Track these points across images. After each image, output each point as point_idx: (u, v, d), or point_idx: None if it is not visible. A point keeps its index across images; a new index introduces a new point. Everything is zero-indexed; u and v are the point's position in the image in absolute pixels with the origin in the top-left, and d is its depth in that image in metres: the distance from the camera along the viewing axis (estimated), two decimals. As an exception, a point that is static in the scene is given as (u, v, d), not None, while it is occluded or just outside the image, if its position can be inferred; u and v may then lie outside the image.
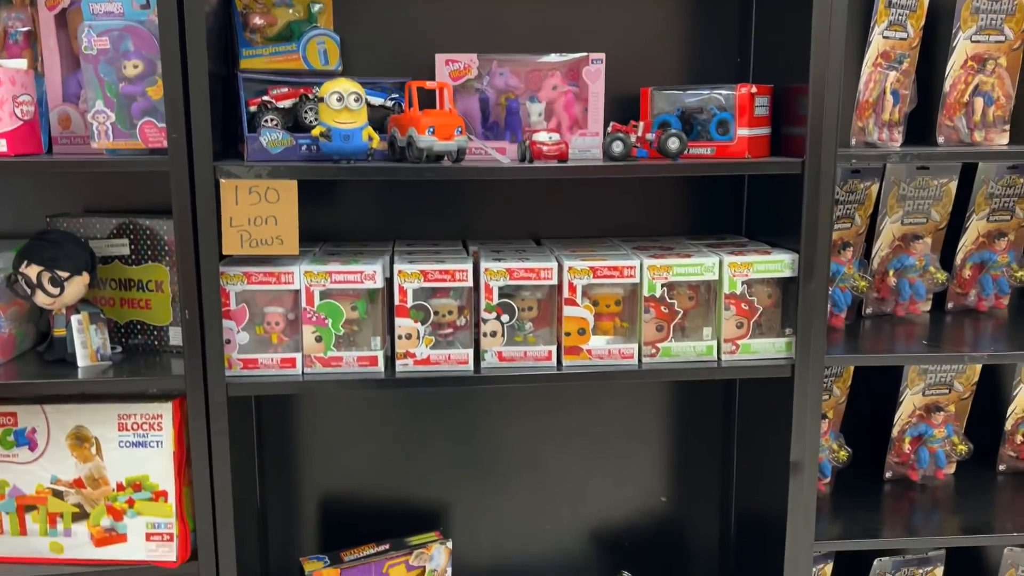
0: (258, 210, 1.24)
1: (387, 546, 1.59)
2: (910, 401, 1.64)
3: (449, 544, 1.62)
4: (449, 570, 1.62)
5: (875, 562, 1.67)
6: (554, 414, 1.69)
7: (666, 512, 1.75)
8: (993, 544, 1.60)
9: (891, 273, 1.60)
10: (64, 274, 1.29)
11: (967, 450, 1.65)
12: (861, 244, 1.59)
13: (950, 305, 1.66)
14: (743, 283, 1.37)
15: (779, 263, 1.37)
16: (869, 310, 1.63)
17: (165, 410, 1.31)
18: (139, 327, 1.42)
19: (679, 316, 1.38)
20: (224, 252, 1.24)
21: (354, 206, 1.58)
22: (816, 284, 1.35)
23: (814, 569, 1.67)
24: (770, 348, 1.39)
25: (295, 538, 1.67)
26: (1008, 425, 1.68)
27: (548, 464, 1.71)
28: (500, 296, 1.34)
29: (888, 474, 1.67)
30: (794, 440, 1.39)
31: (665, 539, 1.75)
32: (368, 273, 1.30)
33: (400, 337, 1.32)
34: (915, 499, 1.63)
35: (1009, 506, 1.61)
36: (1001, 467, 1.71)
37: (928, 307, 1.66)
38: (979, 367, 1.64)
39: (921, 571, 1.70)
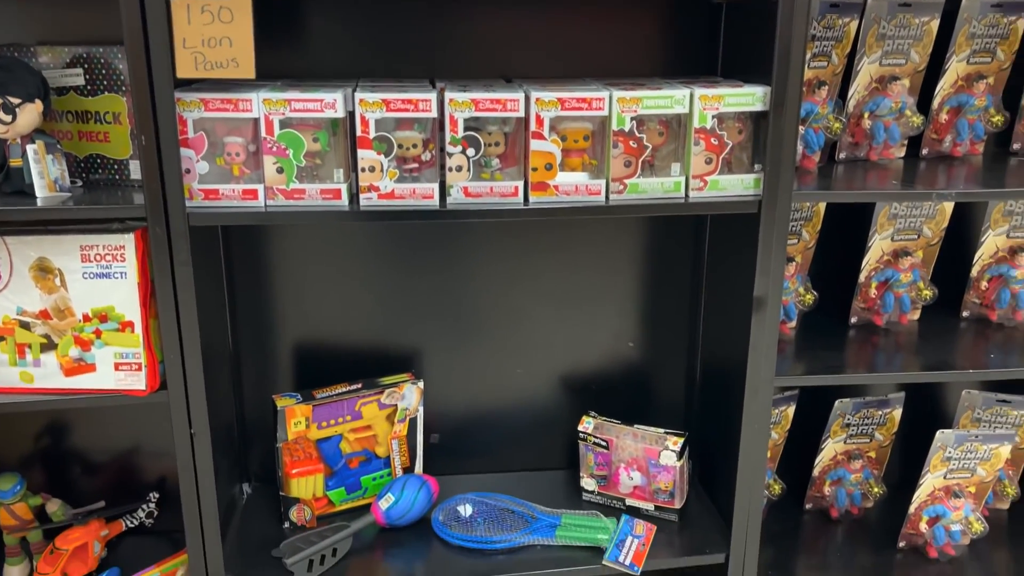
0: (212, 30, 1.19)
1: (359, 385, 1.62)
2: (879, 246, 1.64)
3: (421, 385, 1.65)
4: (421, 409, 1.66)
5: (836, 403, 1.72)
6: (526, 259, 1.69)
7: (634, 356, 1.78)
8: (949, 380, 1.64)
9: (866, 116, 1.58)
10: (15, 100, 1.25)
11: (932, 295, 1.67)
12: (837, 84, 1.56)
13: (925, 151, 1.65)
14: (713, 117, 1.34)
15: (750, 96, 1.34)
16: (843, 154, 1.61)
17: (127, 241, 1.30)
18: (99, 161, 1.39)
19: (648, 152, 1.36)
20: (178, 75, 1.20)
21: (318, 45, 1.53)
22: (787, 119, 1.33)
23: (776, 411, 1.73)
24: (738, 185, 1.38)
25: (269, 379, 1.70)
26: (974, 272, 1.70)
27: (519, 309, 1.73)
28: (465, 129, 1.31)
29: (854, 319, 1.70)
30: (758, 275, 1.40)
31: (633, 383, 1.79)
32: (328, 102, 1.27)
33: (363, 170, 1.30)
34: (878, 342, 1.66)
35: (969, 350, 1.64)
36: (965, 313, 1.73)
37: (902, 152, 1.64)
38: (949, 212, 1.64)
39: (880, 412, 1.76)
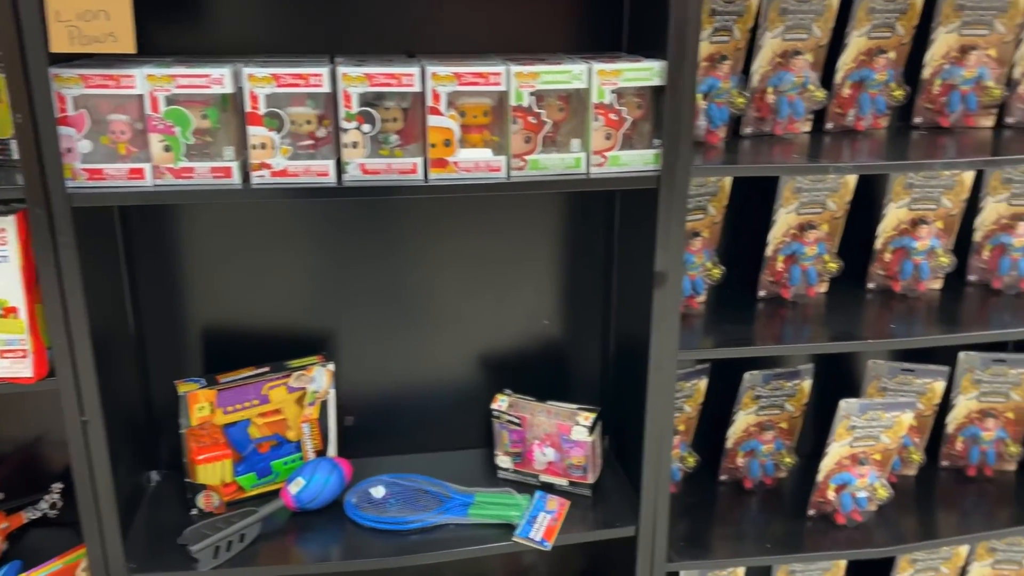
0: (88, 3, 1.14)
1: (266, 368, 1.60)
2: (784, 220, 1.66)
3: (331, 367, 1.63)
4: (332, 392, 1.64)
5: (745, 375, 1.75)
6: (440, 237, 1.68)
7: (550, 334, 1.78)
8: (854, 351, 1.66)
9: (770, 91, 1.59)
10: None
11: (837, 268, 1.70)
12: (740, 59, 1.57)
13: (830, 125, 1.67)
14: (612, 92, 1.34)
15: (648, 70, 1.34)
16: (748, 129, 1.62)
17: (8, 224, 1.25)
18: (-20, 141, 1.34)
19: (548, 127, 1.35)
20: (52, 49, 1.16)
21: (211, 21, 1.49)
22: (683, 93, 1.33)
23: (688, 384, 1.75)
24: (638, 160, 1.38)
25: (177, 365, 1.66)
26: (878, 244, 1.74)
27: (434, 288, 1.71)
28: (362, 105, 1.29)
29: (762, 292, 1.72)
30: (659, 250, 1.41)
31: (549, 360, 1.79)
32: (216, 77, 1.23)
33: (254, 147, 1.27)
34: (786, 315, 1.69)
35: (875, 320, 1.67)
36: (870, 285, 1.77)
37: (808, 127, 1.66)
38: (852, 186, 1.67)
39: (790, 384, 1.79)
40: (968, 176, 1.68)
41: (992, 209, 1.73)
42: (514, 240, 1.71)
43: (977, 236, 1.76)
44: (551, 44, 1.58)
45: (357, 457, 1.71)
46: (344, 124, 1.29)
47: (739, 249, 1.77)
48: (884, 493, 1.71)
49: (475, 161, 1.33)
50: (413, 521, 1.56)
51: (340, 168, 1.31)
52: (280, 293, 1.67)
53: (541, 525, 1.55)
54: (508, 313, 1.75)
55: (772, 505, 1.80)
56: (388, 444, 1.78)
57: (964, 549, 1.83)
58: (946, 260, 1.71)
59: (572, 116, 1.38)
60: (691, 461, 1.80)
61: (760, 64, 1.58)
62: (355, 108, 1.28)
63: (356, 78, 1.27)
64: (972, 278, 1.79)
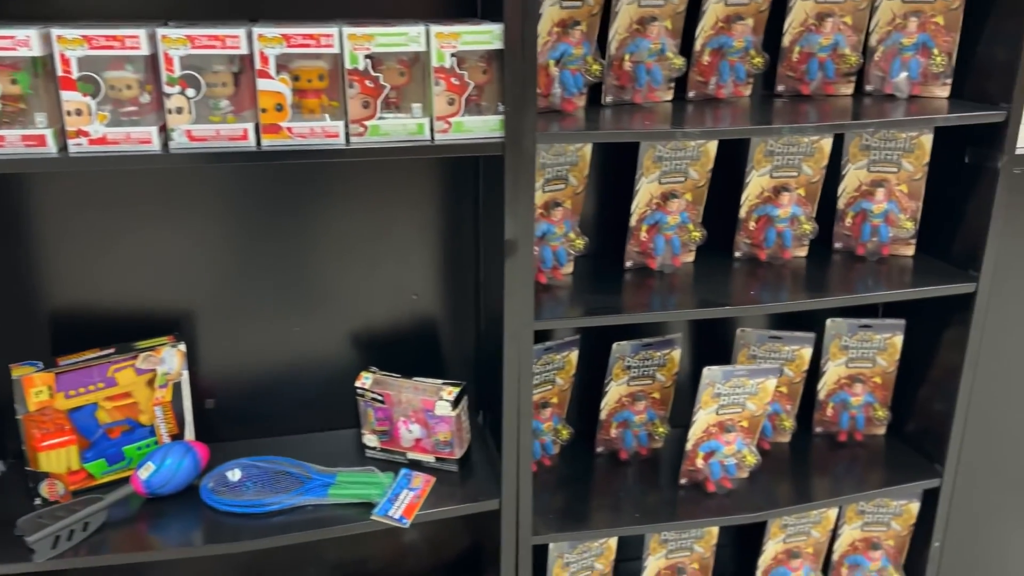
0: None
1: (112, 350, 1.53)
2: (646, 189, 1.66)
3: (182, 347, 1.57)
4: (185, 373, 1.58)
5: (613, 346, 1.74)
6: (301, 209, 1.63)
7: (420, 308, 1.74)
8: (713, 316, 1.66)
9: (627, 58, 1.58)
10: None
11: (701, 237, 1.70)
12: (595, 25, 1.55)
13: (691, 93, 1.66)
14: (452, 56, 1.31)
15: (488, 34, 1.31)
16: (609, 98, 1.61)
17: None
18: None
19: (386, 92, 1.31)
20: None
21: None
22: (524, 58, 1.30)
23: (559, 356, 1.73)
24: (483, 126, 1.35)
25: (22, 350, 1.57)
26: (742, 212, 1.74)
27: (296, 263, 1.66)
28: (187, 68, 1.23)
29: (628, 263, 1.71)
30: (508, 219, 1.38)
31: (421, 335, 1.76)
32: (21, 39, 1.16)
33: (69, 113, 1.20)
34: (652, 284, 1.68)
35: (741, 288, 1.68)
36: (737, 254, 1.78)
37: (669, 95, 1.65)
38: (713, 154, 1.67)
39: (660, 354, 1.79)
40: (827, 143, 1.69)
41: (853, 176, 1.76)
42: (380, 211, 1.67)
43: (840, 203, 1.78)
44: (411, 9, 1.54)
45: (221, 441, 1.66)
46: (167, 89, 1.23)
47: (605, 220, 1.76)
48: (752, 459, 1.73)
49: (310, 127, 1.29)
50: (270, 504, 1.51)
51: (166, 135, 1.25)
52: (132, 271, 1.60)
53: (402, 503, 1.52)
54: (377, 288, 1.71)
55: (646, 475, 1.81)
56: (254, 427, 1.73)
57: (833, 512, 1.86)
58: (809, 227, 1.73)
59: (414, 81, 1.34)
60: (565, 434, 1.79)
61: (616, 31, 1.56)
62: (177, 72, 1.22)
63: (177, 40, 1.21)
64: (837, 245, 1.81)
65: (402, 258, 1.70)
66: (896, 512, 1.85)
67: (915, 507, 1.85)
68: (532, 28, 1.29)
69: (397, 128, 1.32)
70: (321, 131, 1.29)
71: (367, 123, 1.31)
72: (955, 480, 1.79)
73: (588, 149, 1.60)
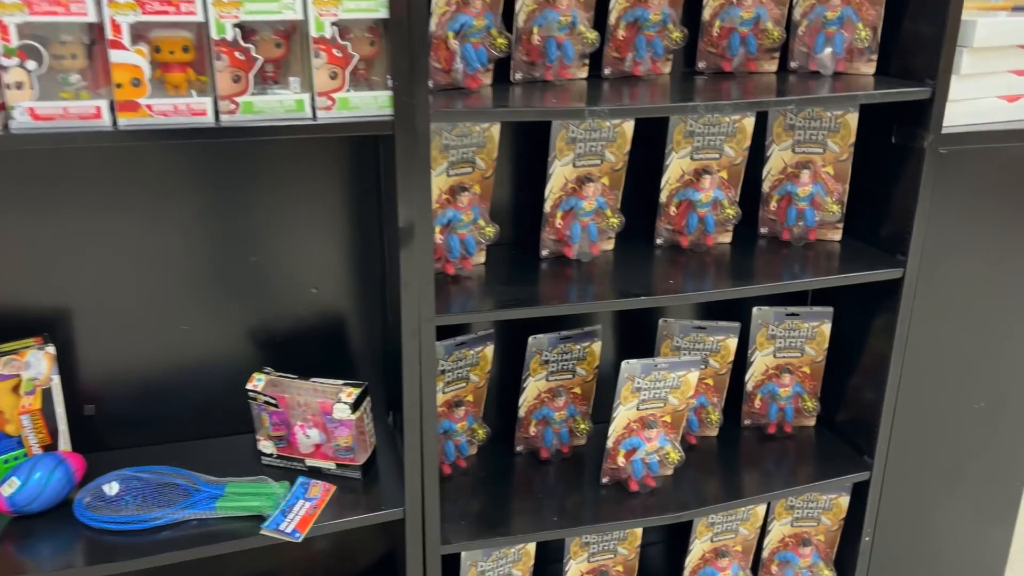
0: None
1: (-32, 354, 1.38)
2: (560, 174, 1.56)
3: (51, 349, 1.42)
4: (56, 378, 1.44)
5: (530, 339, 1.65)
6: (186, 197, 1.49)
7: (321, 302, 1.62)
8: (642, 307, 1.57)
9: (535, 31, 1.47)
10: None
11: (620, 223, 1.60)
12: (499, -4, 1.44)
13: (607, 71, 1.56)
14: (332, 24, 1.18)
15: (372, 0, 1.19)
16: (518, 75, 1.50)
17: None
18: None
19: (259, 65, 1.19)
20: None
21: None
22: (413, 26, 1.19)
23: (472, 352, 1.63)
24: (372, 103, 1.23)
25: None
26: (663, 197, 1.65)
27: (184, 256, 1.53)
28: (24, 38, 1.09)
29: (544, 251, 1.61)
30: (401, 205, 1.27)
31: (320, 333, 1.64)
32: None
33: None
34: (570, 274, 1.58)
35: (662, 276, 1.59)
36: (658, 240, 1.69)
37: (584, 72, 1.55)
38: (629, 135, 1.57)
39: (579, 347, 1.70)
40: (749, 122, 1.61)
41: (777, 157, 1.68)
42: (273, 197, 1.54)
43: (765, 186, 1.70)
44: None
45: (105, 450, 1.52)
46: (3, 61, 1.09)
47: (519, 206, 1.66)
48: (676, 456, 1.65)
49: (173, 104, 1.15)
50: (151, 519, 1.38)
51: (7, 114, 1.11)
52: (-4, 267, 1.45)
53: (296, 515, 1.40)
54: (272, 281, 1.58)
55: (567, 474, 1.71)
56: (142, 434, 1.59)
57: (762, 509, 1.79)
58: (732, 212, 1.65)
59: (292, 53, 1.22)
60: (482, 433, 1.69)
61: (523, 2, 1.45)
62: (14, 41, 1.08)
63: (12, 5, 1.07)
64: (763, 230, 1.74)
65: (299, 249, 1.57)
66: (826, 506, 1.79)
67: (845, 501, 1.78)
68: (419, -5, 1.18)
69: (273, 105, 1.20)
70: (186, 108, 1.16)
71: (238, 99, 1.18)
72: (884, 472, 1.73)
73: (496, 130, 1.49)
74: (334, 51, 1.20)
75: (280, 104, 1.20)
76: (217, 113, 1.18)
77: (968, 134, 1.53)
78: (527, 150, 1.62)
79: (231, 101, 1.18)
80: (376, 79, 1.25)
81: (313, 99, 1.21)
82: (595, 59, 1.56)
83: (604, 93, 1.49)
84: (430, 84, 1.37)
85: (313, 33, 1.18)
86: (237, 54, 1.17)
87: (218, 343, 1.59)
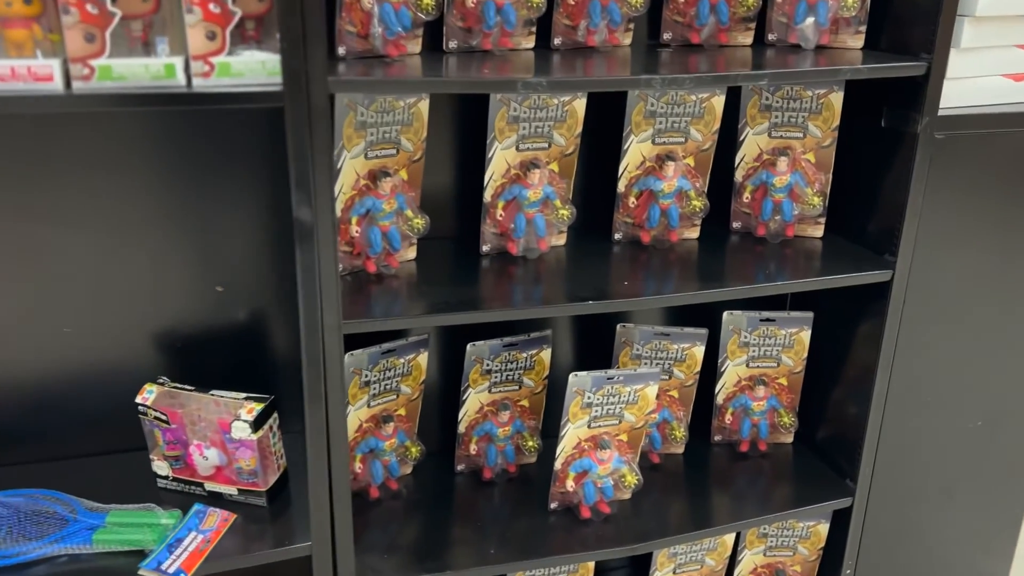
0: None
1: None
2: (501, 158, 1.36)
3: (-99, 356, 1.23)
4: (-91, 389, 1.25)
5: (468, 347, 1.45)
6: (62, 179, 1.29)
7: (228, 303, 1.42)
8: (595, 312, 1.38)
9: (471, -8, 1.27)
10: None
11: (571, 214, 1.41)
12: (426, -51, 1.24)
13: (557, 40, 1.36)
14: (208, -26, 0.99)
15: (255, -56, 0.99)
16: (453, 43, 1.29)
17: None
18: None
19: (117, 21, 0.99)
20: None
21: None
22: (306, -24, 0.99)
23: (401, 361, 1.44)
24: (259, 69, 1.03)
25: None
26: (621, 186, 1.45)
27: (67, 250, 1.32)
28: None
29: (485, 247, 1.41)
30: (295, 192, 1.07)
31: (227, 338, 1.43)
32: None
33: None
34: (513, 273, 1.39)
35: (622, 276, 1.40)
36: (617, 235, 1.49)
37: (531, 42, 1.35)
38: (581, 115, 1.38)
39: (525, 355, 1.51)
40: (718, 102, 1.41)
41: (751, 142, 1.48)
42: (171, 181, 1.34)
43: (737, 175, 1.51)
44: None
45: (-21, 469, 1.33)
46: None
47: (458, 194, 1.46)
48: (633, 479, 1.46)
49: (11, 66, 0.95)
50: (16, 555, 1.19)
51: None
52: None
53: (185, 550, 1.21)
54: (171, 278, 1.38)
55: (514, 498, 1.52)
56: (21, 451, 1.39)
57: (731, 537, 1.60)
58: (699, 204, 1.45)
59: (162, 9, 1.02)
60: (415, 452, 1.49)
61: (456, -42, 1.26)
62: None
63: None
64: (735, 225, 1.54)
65: (203, 241, 1.37)
66: (803, 535, 1.60)
67: (824, 529, 1.60)
68: (312, -63, 0.98)
69: (136, 70, 1.00)
70: (28, 72, 0.96)
71: (93, 63, 0.98)
72: (868, 498, 1.55)
73: (425, 106, 1.29)
74: (211, 6, 1.00)
75: (146, 69, 1.00)
76: (68, 79, 0.98)
77: (968, 117, 1.33)
78: (465, 130, 1.42)
79: (84, 65, 0.98)
80: (271, 42, 1.06)
81: (187, 64, 1.01)
82: (545, 27, 1.36)
83: (549, 65, 1.29)
84: (342, 51, 1.19)
85: (184, -16, 0.98)
86: (90, 7, 0.97)
87: (108, 348, 1.39)
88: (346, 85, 1.06)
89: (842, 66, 1.26)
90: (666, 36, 1.43)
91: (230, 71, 1.02)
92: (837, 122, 1.43)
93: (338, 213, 1.26)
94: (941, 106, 1.31)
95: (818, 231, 1.51)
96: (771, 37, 1.44)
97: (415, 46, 1.27)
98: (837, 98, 1.41)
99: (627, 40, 1.41)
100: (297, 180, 1.06)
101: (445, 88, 1.22)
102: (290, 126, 1.04)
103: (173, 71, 1.01)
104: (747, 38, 1.44)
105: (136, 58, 0.99)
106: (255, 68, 1.03)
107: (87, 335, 1.37)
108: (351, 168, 1.24)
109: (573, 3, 1.34)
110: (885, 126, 1.39)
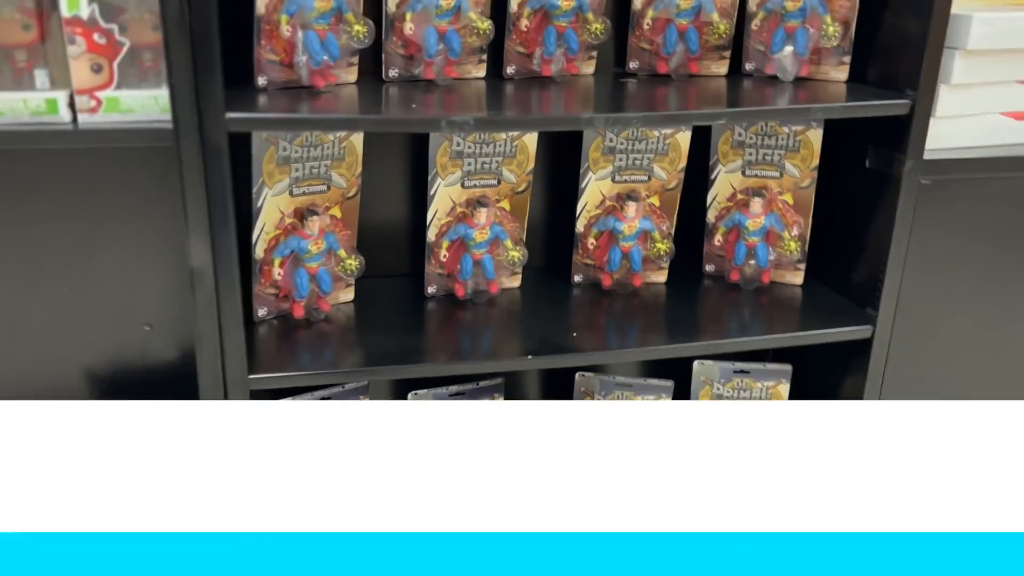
0: None
1: None
2: (445, 195, 1.26)
3: None
4: None
5: (410, 395, 1.35)
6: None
7: (154, 343, 1.34)
8: (545, 367, 1.29)
9: (409, 17, 1.17)
10: None
11: (522, 256, 1.30)
12: (357, -28, 1.15)
13: (510, 69, 1.26)
14: (91, 3, 0.91)
15: (141, -30, 0.91)
16: (393, 72, 1.20)
17: None
18: None
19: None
20: None
21: None
22: (195, 5, 0.90)
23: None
24: (152, 105, 0.95)
25: None
26: (579, 226, 1.35)
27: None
28: None
29: (430, 289, 1.32)
30: (190, 237, 0.98)
31: (156, 379, 1.36)
32: None
33: None
34: (461, 318, 1.29)
35: (576, 324, 1.29)
36: (576, 278, 1.38)
37: (481, 71, 1.25)
38: (532, 151, 1.28)
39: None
40: (683, 138, 1.30)
41: (724, 181, 1.36)
42: (94, 214, 1.26)
43: (710, 215, 1.39)
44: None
45: None
46: None
47: (402, 231, 1.37)
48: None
49: None
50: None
51: None
52: None
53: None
54: (95, 316, 1.30)
55: None
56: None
57: None
58: (664, 247, 1.34)
59: (50, 39, 0.94)
60: (357, 503, 1.40)
61: (392, -17, 1.16)
62: None
63: None
64: (708, 268, 1.42)
65: (128, 276, 1.29)
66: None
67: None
68: (202, -36, 0.89)
69: (14, 106, 0.92)
70: None
71: (-31, 97, 0.91)
72: None
73: (358, 140, 1.20)
74: (95, 36, 0.92)
75: (23, 104, 0.92)
76: (-63, 114, 0.91)
77: (959, 161, 1.21)
78: (408, 164, 1.33)
79: (-45, 99, 0.90)
80: (153, 73, 0.97)
81: (71, 99, 0.93)
82: (498, 54, 1.26)
83: (500, 96, 1.19)
84: (262, 81, 1.10)
85: (65, 13, 0.90)
86: (-37, 37, 0.89)
87: (26, 391, 1.32)
88: (245, 123, 0.97)
89: (812, 104, 1.13)
90: (632, 65, 1.32)
91: (119, 107, 0.94)
92: (816, 161, 1.31)
93: (260, 254, 1.18)
94: (930, 147, 1.19)
95: (798, 278, 1.39)
96: (748, 66, 1.32)
97: (350, 75, 1.18)
98: (816, 135, 1.29)
99: (589, 69, 1.30)
100: (191, 225, 0.98)
101: (353, 127, 1.12)
102: (184, 167, 0.95)
103: (55, 106, 0.93)
104: (721, 67, 1.32)
105: (15, 92, 0.92)
106: (147, 104, 0.95)
107: (8, 374, 1.30)
108: (274, 206, 1.15)
109: (525, 30, 1.24)
110: (870, 167, 1.27)
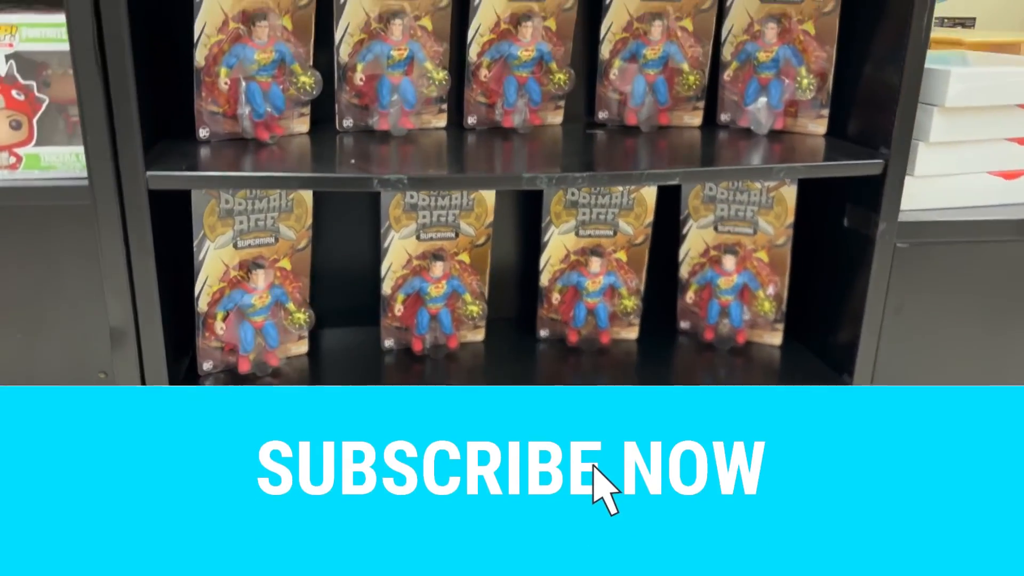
0: None
1: None
2: (399, 248, 1.22)
3: None
4: None
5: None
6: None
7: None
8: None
9: (360, 68, 1.14)
10: None
11: (481, 311, 1.26)
12: (308, 24, 1.12)
13: (471, 120, 1.22)
14: (9, 58, 0.89)
15: (59, 27, 0.89)
16: (347, 122, 1.17)
17: None
18: None
19: (-89, 108, 0.90)
20: None
21: None
22: (112, 61, 0.88)
23: (293, 462, 1.30)
24: (74, 162, 0.93)
25: None
26: (544, 281, 1.30)
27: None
28: None
29: (387, 342, 1.28)
30: (108, 297, 0.96)
31: (111, 425, 1.34)
32: None
33: None
34: (420, 372, 1.25)
35: (547, 380, 1.24)
36: (542, 333, 1.33)
37: (440, 121, 1.22)
38: (491, 203, 1.23)
39: (434, 463, 1.35)
40: (648, 193, 1.24)
41: (696, 237, 1.30)
42: (44, 263, 1.24)
43: (683, 272, 1.33)
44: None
45: None
46: None
47: (358, 283, 1.33)
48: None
49: None
50: None
51: None
52: None
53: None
54: (48, 363, 1.28)
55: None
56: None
57: None
58: (631, 304, 1.28)
59: (-28, 94, 0.93)
60: None
61: (345, 31, 1.13)
62: None
63: None
64: (683, 324, 1.36)
65: (82, 324, 1.27)
66: None
67: None
68: (115, 18, 0.87)
69: (-67, 162, 0.91)
70: None
71: None
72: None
73: (307, 192, 1.17)
74: (13, 93, 0.90)
75: (-56, 160, 0.91)
76: None
77: (941, 224, 1.13)
78: (365, 214, 1.29)
79: None
80: (75, 129, 0.95)
81: (-8, 155, 0.92)
82: (456, 101, 1.23)
83: (461, 148, 1.16)
84: (204, 133, 1.08)
85: (-18, 69, 0.89)
86: None
87: (-15, 433, 1.31)
88: (168, 180, 0.94)
89: (774, 164, 1.07)
90: (602, 115, 1.27)
91: (39, 163, 0.92)
92: (791, 219, 1.24)
93: (204, 308, 1.15)
94: (909, 207, 1.12)
95: (775, 338, 1.32)
96: (723, 118, 1.26)
97: (301, 125, 1.15)
98: (790, 192, 1.23)
99: (557, 119, 1.26)
100: (107, 284, 0.95)
101: (282, 185, 1.09)
102: (101, 225, 0.93)
103: (-26, 163, 0.91)
104: (695, 118, 1.27)
105: (-66, 148, 0.91)
106: (68, 161, 0.93)
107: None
108: (217, 259, 1.13)
109: (485, 79, 1.20)
110: (848, 226, 1.20)
